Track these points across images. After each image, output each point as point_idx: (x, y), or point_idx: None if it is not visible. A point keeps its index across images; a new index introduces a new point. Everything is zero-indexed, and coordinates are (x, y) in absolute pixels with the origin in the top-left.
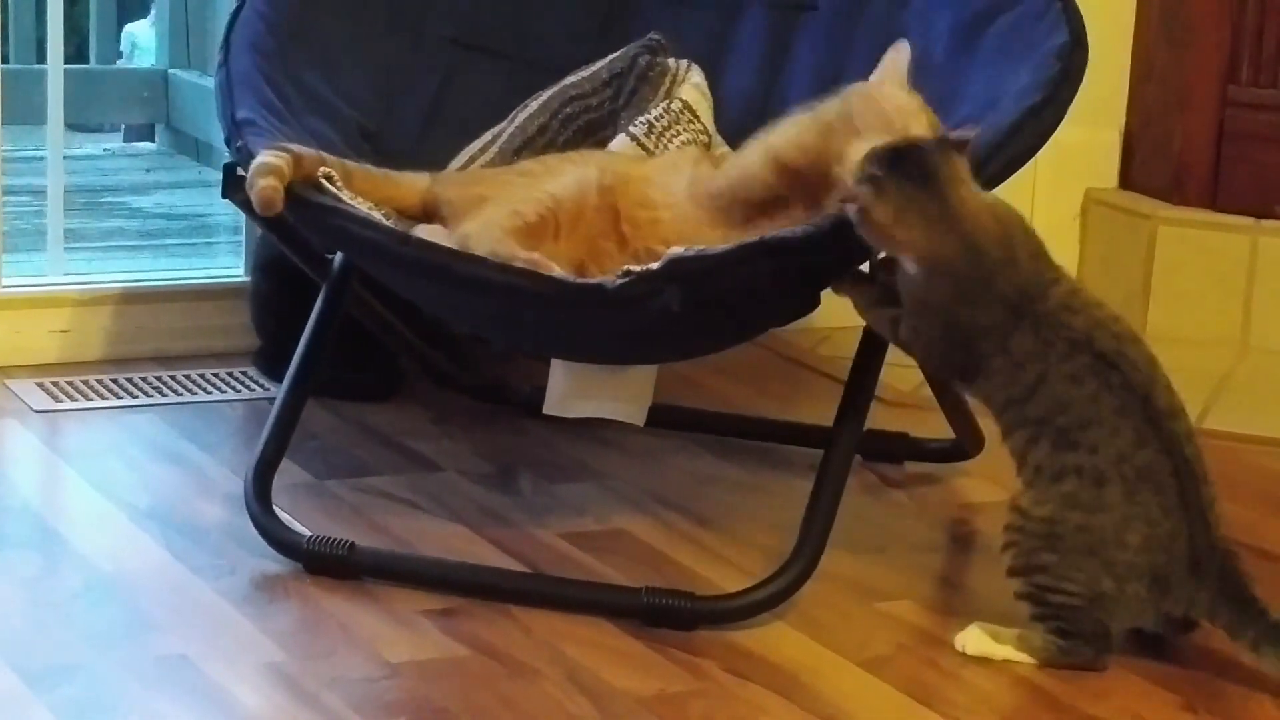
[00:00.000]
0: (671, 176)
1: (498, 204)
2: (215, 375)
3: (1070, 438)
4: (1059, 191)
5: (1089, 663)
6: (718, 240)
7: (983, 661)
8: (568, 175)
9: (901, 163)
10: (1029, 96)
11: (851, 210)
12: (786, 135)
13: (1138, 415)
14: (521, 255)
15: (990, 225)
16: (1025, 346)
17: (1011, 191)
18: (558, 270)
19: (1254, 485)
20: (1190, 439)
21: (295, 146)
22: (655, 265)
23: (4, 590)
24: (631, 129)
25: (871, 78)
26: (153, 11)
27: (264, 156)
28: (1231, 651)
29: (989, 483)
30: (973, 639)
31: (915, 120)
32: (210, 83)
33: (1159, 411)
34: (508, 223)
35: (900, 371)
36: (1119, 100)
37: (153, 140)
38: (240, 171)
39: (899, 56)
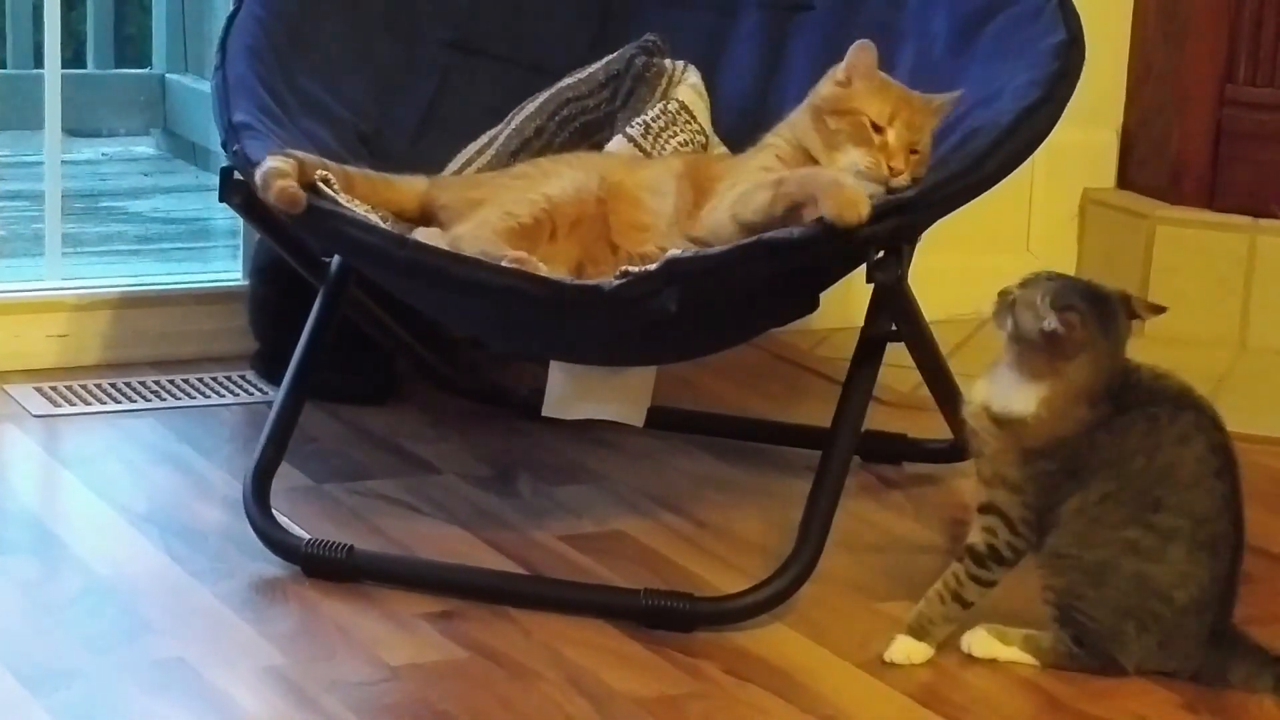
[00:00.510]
0: (658, 201)
1: (491, 206)
2: (213, 379)
3: (1157, 499)
4: (1057, 191)
5: (1093, 671)
6: None
7: (983, 662)
8: (565, 179)
9: (1097, 306)
10: (1026, 95)
11: (1049, 324)
12: (752, 205)
13: (1228, 481)
14: (510, 254)
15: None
16: (1132, 430)
17: (1009, 191)
18: (544, 269)
19: (1254, 484)
20: (1243, 508)
21: (298, 153)
22: (653, 266)
23: (3, 595)
24: (628, 130)
25: (838, 75)
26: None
27: (270, 162)
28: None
29: None
30: (978, 640)
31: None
32: (207, 87)
33: (1238, 480)
34: (500, 224)
35: (898, 373)
36: (1117, 100)
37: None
38: (237, 175)
39: (863, 54)
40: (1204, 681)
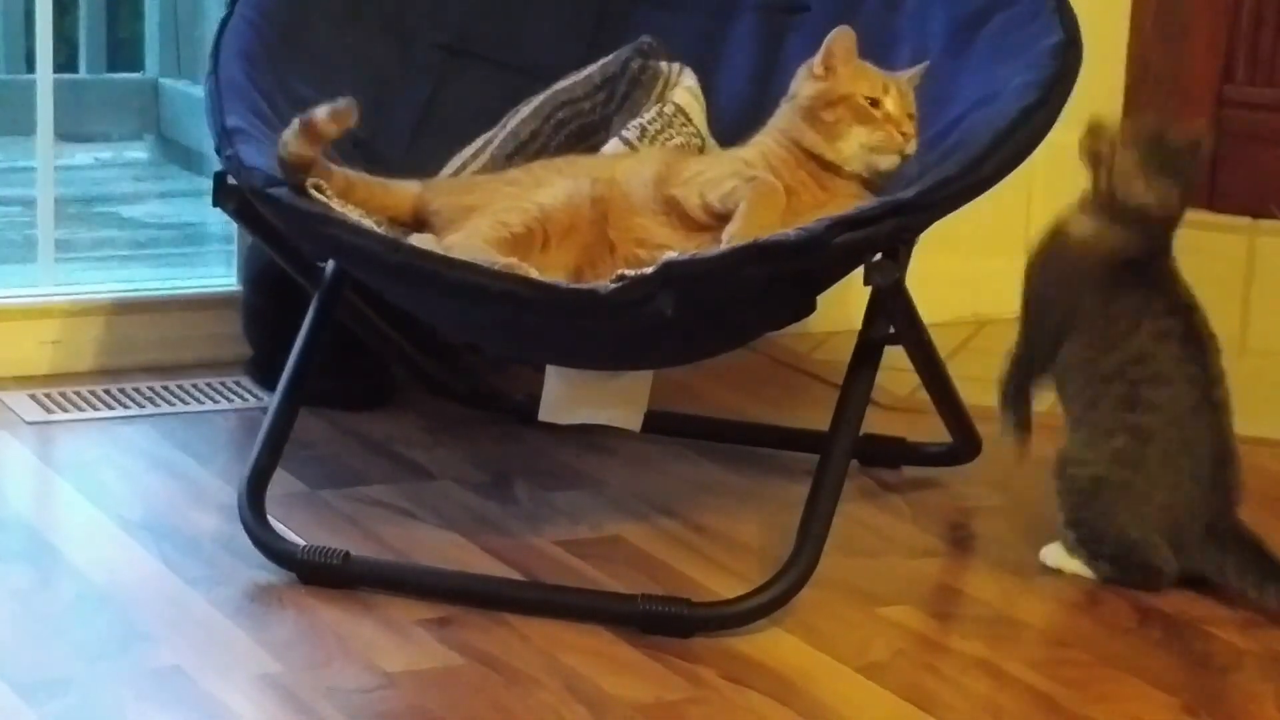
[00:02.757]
0: (635, 183)
1: (483, 215)
2: (208, 385)
3: (1138, 394)
4: (1056, 193)
5: (1142, 583)
6: (679, 242)
7: (981, 666)
8: (557, 186)
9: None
10: (1024, 96)
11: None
12: (720, 191)
13: (1201, 388)
14: (500, 261)
15: None
16: (1127, 304)
17: (1008, 192)
18: (534, 274)
19: (1253, 487)
20: (1232, 432)
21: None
22: (649, 270)
23: None
24: (624, 133)
25: (815, 69)
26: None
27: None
28: (1233, 654)
29: (986, 487)
30: (1052, 553)
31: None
32: (200, 91)
33: (1219, 394)
34: (491, 233)
35: (897, 376)
36: (1115, 101)
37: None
38: (231, 180)
39: (842, 39)
40: (1209, 581)
